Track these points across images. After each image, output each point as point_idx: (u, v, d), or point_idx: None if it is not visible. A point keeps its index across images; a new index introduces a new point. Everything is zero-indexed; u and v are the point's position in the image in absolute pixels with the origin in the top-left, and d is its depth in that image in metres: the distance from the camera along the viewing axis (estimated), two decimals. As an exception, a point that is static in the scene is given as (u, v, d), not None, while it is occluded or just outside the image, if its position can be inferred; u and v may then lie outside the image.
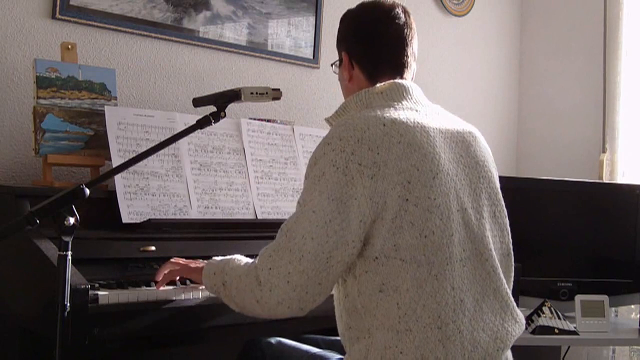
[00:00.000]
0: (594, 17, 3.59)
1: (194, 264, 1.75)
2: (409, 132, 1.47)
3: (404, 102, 1.57)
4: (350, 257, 1.44)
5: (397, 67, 1.64)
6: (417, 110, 1.56)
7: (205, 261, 1.71)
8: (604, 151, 3.50)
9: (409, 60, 1.66)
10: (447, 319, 1.43)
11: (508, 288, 1.59)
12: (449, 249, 1.45)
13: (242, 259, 1.60)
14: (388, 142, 1.44)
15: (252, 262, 1.53)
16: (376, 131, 1.45)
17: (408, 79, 1.66)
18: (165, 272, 1.77)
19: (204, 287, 1.67)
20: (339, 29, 1.72)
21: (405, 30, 1.64)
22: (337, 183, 1.42)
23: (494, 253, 1.55)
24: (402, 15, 1.65)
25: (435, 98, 1.76)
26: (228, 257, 1.63)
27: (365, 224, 1.43)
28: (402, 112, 1.52)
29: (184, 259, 1.80)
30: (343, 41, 1.69)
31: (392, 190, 1.42)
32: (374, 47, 1.64)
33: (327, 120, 1.66)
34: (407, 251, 1.42)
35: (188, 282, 1.85)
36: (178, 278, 1.81)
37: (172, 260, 1.80)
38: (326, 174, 1.43)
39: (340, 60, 1.70)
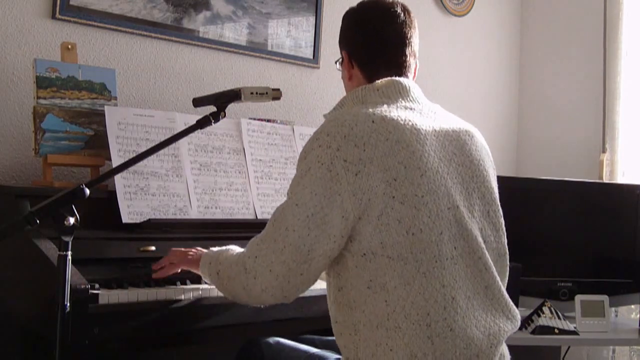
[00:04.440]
0: (594, 17, 3.59)
1: (191, 254, 1.79)
2: (398, 129, 1.48)
3: (400, 100, 1.57)
4: (332, 251, 1.46)
5: (396, 67, 1.64)
6: (412, 109, 1.56)
7: (204, 250, 1.75)
8: (604, 151, 3.50)
9: (408, 59, 1.66)
10: (436, 316, 1.44)
11: (502, 285, 1.58)
12: (438, 246, 1.45)
13: (236, 248, 1.65)
14: (375, 139, 1.45)
15: (243, 251, 1.57)
16: (364, 127, 1.46)
17: (409, 77, 1.67)
18: (165, 264, 1.81)
19: (204, 279, 1.72)
20: (341, 27, 1.72)
21: (405, 28, 1.64)
22: (321, 179, 1.44)
23: (486, 251, 1.55)
24: (401, 14, 1.65)
25: (435, 98, 1.76)
26: (224, 247, 1.68)
27: (347, 220, 1.44)
28: (395, 110, 1.53)
29: (183, 248, 1.83)
30: (343, 40, 1.70)
31: (377, 188, 1.43)
32: (373, 47, 1.64)
33: (325, 116, 1.67)
34: (393, 248, 1.43)
35: (188, 282, 1.86)
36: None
37: (173, 249, 1.83)
38: (312, 169, 1.45)
39: (342, 58, 1.70)
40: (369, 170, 1.43)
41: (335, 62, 1.78)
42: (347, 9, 1.72)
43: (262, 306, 1.59)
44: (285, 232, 1.45)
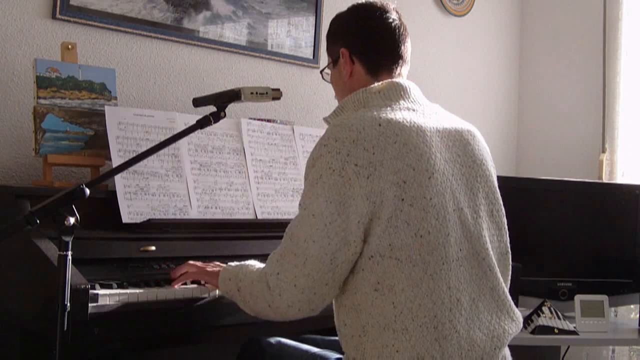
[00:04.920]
0: (594, 17, 3.59)
1: (210, 267, 1.77)
2: (404, 132, 1.48)
3: (402, 102, 1.58)
4: (354, 256, 1.46)
5: (396, 57, 1.67)
6: (414, 110, 1.57)
7: (222, 265, 1.73)
8: (603, 151, 3.50)
9: (406, 54, 1.69)
10: (443, 318, 1.44)
11: (505, 287, 1.59)
12: (445, 248, 1.46)
13: (255, 264, 1.63)
14: (384, 142, 1.45)
15: (263, 268, 1.55)
16: (372, 131, 1.46)
17: (404, 75, 1.69)
18: (182, 272, 1.80)
19: (223, 294, 1.70)
20: (332, 30, 1.74)
21: (401, 27, 1.68)
22: (334, 185, 1.43)
23: (491, 252, 1.56)
24: (395, 14, 1.69)
25: (435, 98, 1.77)
26: (243, 262, 1.67)
27: (363, 224, 1.44)
28: (399, 112, 1.53)
29: (201, 262, 1.81)
30: (340, 39, 1.70)
31: (388, 190, 1.43)
32: (374, 38, 1.66)
33: (325, 119, 1.67)
34: (402, 251, 1.43)
35: (188, 282, 1.85)
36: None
37: (190, 262, 1.82)
38: (323, 177, 1.45)
39: (335, 60, 1.70)
40: (380, 173, 1.43)
41: (321, 72, 1.80)
42: (346, 8, 1.73)
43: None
44: (304, 244, 1.44)
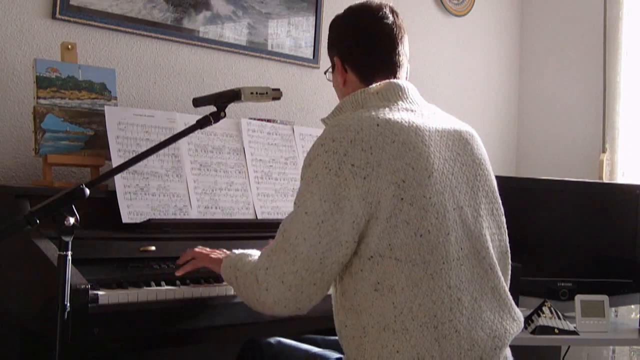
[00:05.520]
0: (594, 18, 3.59)
1: (215, 254, 1.78)
2: (403, 132, 1.48)
3: (400, 102, 1.57)
4: (345, 257, 1.45)
5: (390, 66, 1.64)
6: (412, 111, 1.56)
7: (227, 252, 1.74)
8: (604, 151, 3.50)
9: (401, 59, 1.66)
10: (443, 318, 1.44)
11: (506, 286, 1.59)
12: (445, 247, 1.45)
13: (255, 254, 1.63)
14: (382, 142, 1.45)
15: (256, 261, 1.55)
16: (370, 132, 1.45)
17: (402, 78, 1.67)
18: (188, 259, 1.80)
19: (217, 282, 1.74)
20: (329, 35, 1.72)
21: (395, 29, 1.64)
22: (329, 185, 1.43)
23: (492, 251, 1.55)
24: (390, 15, 1.65)
25: (435, 98, 1.77)
26: (245, 251, 1.67)
27: (358, 225, 1.43)
28: (397, 113, 1.53)
29: (207, 249, 1.82)
30: (334, 46, 1.70)
31: (387, 190, 1.43)
32: (365, 49, 1.64)
33: (323, 120, 1.67)
34: (401, 250, 1.43)
35: (188, 281, 1.85)
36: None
37: (196, 249, 1.83)
38: (319, 176, 1.44)
39: (333, 65, 1.70)
40: (377, 173, 1.43)
41: (325, 73, 1.79)
42: (346, 8, 1.72)
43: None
44: (295, 241, 1.44)
